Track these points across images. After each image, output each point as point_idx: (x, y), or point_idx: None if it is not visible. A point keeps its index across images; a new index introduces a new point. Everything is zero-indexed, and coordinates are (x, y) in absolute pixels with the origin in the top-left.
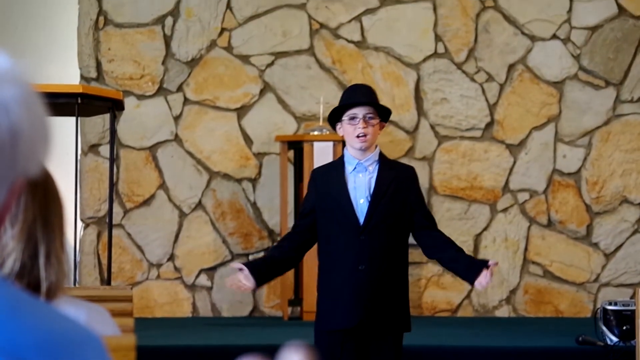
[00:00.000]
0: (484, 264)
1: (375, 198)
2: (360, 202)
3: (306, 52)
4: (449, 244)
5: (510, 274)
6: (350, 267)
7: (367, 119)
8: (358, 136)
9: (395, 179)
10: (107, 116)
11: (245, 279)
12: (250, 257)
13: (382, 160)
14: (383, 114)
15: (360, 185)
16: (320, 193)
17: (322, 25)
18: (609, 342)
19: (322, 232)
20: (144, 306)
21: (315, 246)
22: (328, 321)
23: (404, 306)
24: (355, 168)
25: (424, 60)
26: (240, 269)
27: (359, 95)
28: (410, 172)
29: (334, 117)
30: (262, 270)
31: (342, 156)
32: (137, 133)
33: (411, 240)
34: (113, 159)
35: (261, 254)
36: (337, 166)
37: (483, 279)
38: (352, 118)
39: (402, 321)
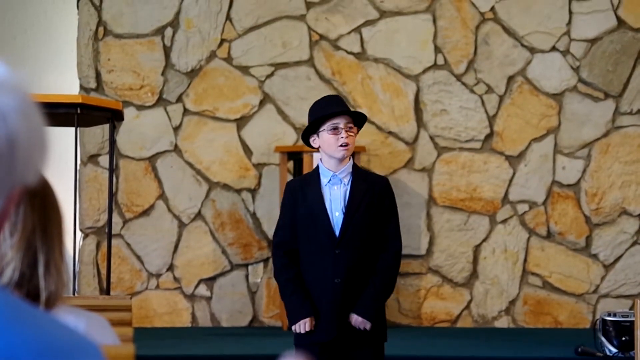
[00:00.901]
0: (359, 311)
1: (349, 211)
2: (336, 214)
3: (306, 63)
4: (373, 274)
5: (509, 285)
6: (327, 281)
7: (348, 128)
8: (341, 145)
9: (369, 190)
10: (107, 126)
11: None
12: (250, 268)
13: (356, 171)
14: (357, 123)
15: (336, 198)
16: (298, 206)
17: (321, 37)
18: (608, 353)
19: (300, 245)
20: (143, 316)
21: None
22: (306, 334)
23: (380, 317)
24: (330, 180)
25: (424, 71)
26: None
27: (336, 106)
28: (384, 182)
29: (308, 130)
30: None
31: (317, 168)
32: (137, 143)
33: (411, 250)
34: (112, 169)
35: (261, 265)
36: (312, 179)
37: (353, 320)
38: (335, 128)
39: (379, 332)
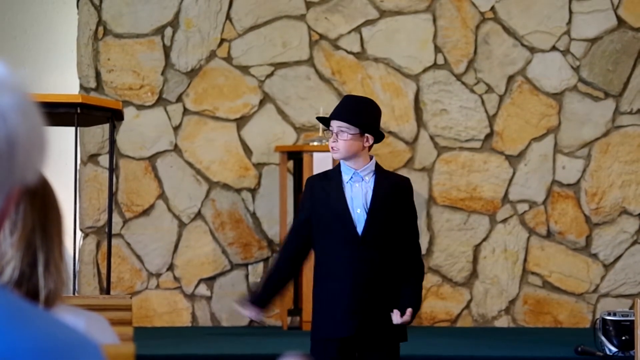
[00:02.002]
0: (404, 304)
1: (374, 208)
2: (357, 212)
3: (306, 63)
4: (404, 280)
5: (509, 285)
6: (348, 277)
7: (339, 131)
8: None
9: (392, 189)
10: (107, 126)
11: (251, 314)
12: (250, 268)
13: (379, 170)
14: (368, 127)
15: (357, 195)
16: (317, 202)
17: (321, 36)
18: (607, 353)
19: (319, 241)
20: (143, 316)
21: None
22: (325, 330)
23: None
24: (351, 178)
25: (424, 71)
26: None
27: (333, 110)
28: (406, 183)
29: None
30: (264, 298)
31: (339, 166)
32: (137, 143)
33: None
34: (112, 169)
35: (260, 264)
36: (333, 175)
37: (395, 316)
38: (330, 130)
39: (399, 331)
